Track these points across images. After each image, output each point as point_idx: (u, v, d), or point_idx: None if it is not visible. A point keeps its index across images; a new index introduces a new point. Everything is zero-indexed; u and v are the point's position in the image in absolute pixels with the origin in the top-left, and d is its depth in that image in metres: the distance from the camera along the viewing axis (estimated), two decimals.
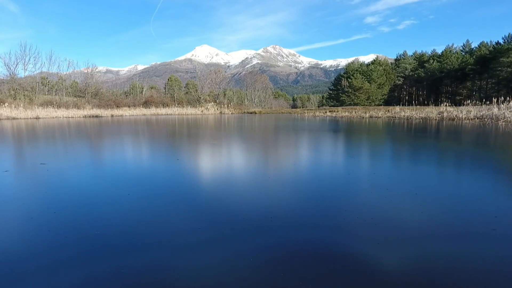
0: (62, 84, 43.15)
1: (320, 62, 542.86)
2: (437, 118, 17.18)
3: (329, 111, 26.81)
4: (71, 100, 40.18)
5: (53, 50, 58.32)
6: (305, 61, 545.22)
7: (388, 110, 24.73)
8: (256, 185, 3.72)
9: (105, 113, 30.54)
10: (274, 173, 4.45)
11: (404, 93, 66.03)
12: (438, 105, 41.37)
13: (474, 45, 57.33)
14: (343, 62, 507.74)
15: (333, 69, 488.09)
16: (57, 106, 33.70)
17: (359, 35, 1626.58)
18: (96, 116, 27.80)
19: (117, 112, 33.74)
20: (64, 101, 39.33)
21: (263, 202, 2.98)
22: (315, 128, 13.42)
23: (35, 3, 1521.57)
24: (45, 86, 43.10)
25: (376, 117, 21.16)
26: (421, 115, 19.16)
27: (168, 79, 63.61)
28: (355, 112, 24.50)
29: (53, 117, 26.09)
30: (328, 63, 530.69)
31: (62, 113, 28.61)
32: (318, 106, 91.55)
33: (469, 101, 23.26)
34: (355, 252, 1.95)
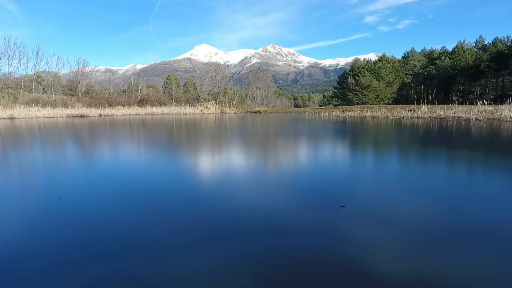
0: (51, 82, 40.08)
1: (319, 61, 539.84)
2: (509, 120, 14.13)
3: (350, 110, 23.63)
4: (59, 99, 37.20)
5: (40, 45, 54.40)
6: (305, 61, 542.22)
7: (413, 110, 21.85)
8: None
9: (94, 112, 27.54)
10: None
11: (412, 91, 63.25)
12: (449, 103, 38.67)
13: (487, 41, 54.43)
14: (342, 61, 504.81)
15: (332, 68, 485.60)
16: (43, 104, 30.70)
17: (358, 35, 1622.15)
18: (82, 116, 24.82)
19: (108, 111, 30.72)
20: (52, 99, 36.37)
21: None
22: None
23: (34, 2, 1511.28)
24: (38, 83, 40.20)
25: (418, 117, 17.98)
26: (487, 116, 15.59)
27: (167, 78, 60.96)
28: (381, 111, 21.29)
29: (31, 117, 23.08)
30: (327, 62, 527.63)
31: (45, 112, 25.64)
32: (320, 106, 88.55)
33: (511, 99, 20.37)
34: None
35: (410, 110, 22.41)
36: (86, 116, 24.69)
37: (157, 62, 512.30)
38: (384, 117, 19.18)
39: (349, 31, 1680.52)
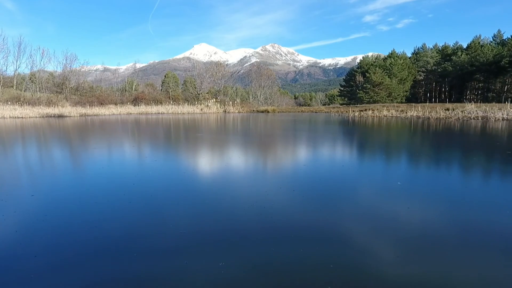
0: (36, 79, 36.46)
1: (318, 60, 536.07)
2: None
3: (387, 109, 19.63)
4: (44, 96, 33.56)
5: (23, 37, 49.03)
6: (304, 60, 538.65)
7: (452, 108, 18.36)
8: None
9: (78, 111, 23.93)
10: None
11: (424, 89, 59.74)
12: (465, 102, 35.10)
13: (506, 35, 50.95)
14: (341, 60, 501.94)
15: (331, 67, 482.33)
16: (22, 103, 27.12)
17: (357, 34, 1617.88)
18: (60, 116, 21.19)
19: (97, 110, 27.23)
20: (36, 97, 32.76)
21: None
22: None
23: (32, 1, 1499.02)
24: (21, 79, 36.64)
25: (505, 119, 14.16)
26: None
27: (165, 76, 57.77)
28: (427, 111, 17.33)
29: None
30: (326, 61, 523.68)
31: (20, 111, 22.10)
32: (323, 105, 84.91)
33: None
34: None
35: (447, 109, 19.03)
36: (65, 116, 21.09)
37: (156, 61, 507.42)
38: (455, 118, 14.79)
39: (349, 30, 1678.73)
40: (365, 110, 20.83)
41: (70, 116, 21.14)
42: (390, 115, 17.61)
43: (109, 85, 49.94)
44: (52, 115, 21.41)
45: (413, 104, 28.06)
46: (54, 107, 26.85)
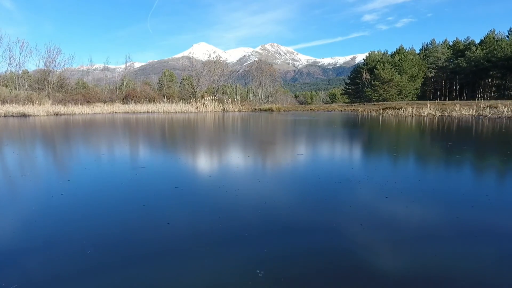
0: (15, 75, 33.21)
1: (318, 60, 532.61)
2: None
3: (433, 106, 15.86)
4: (23, 94, 30.34)
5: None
6: (303, 59, 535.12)
7: (502, 106, 15.23)
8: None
9: (47, 110, 20.76)
10: None
11: (433, 86, 56.62)
12: (479, 99, 31.94)
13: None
14: (341, 60, 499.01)
15: (331, 67, 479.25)
16: None
17: (357, 33, 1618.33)
18: (23, 115, 18.02)
19: (79, 109, 24.05)
20: (14, 94, 29.57)
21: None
22: None
23: (31, 0, 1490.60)
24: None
25: None
26: None
27: (162, 74, 55.10)
28: (476, 109, 13.94)
29: None
30: (326, 61, 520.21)
31: None
32: (325, 103, 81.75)
33: None
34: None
35: (494, 106, 15.96)
36: (29, 116, 17.91)
37: (155, 60, 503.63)
38: None
39: (348, 29, 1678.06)
40: (386, 108, 17.55)
41: (36, 116, 17.94)
42: (426, 114, 14.10)
43: (107, 83, 46.68)
44: (12, 114, 18.17)
45: (439, 101, 24.92)
46: (31, 105, 23.64)
